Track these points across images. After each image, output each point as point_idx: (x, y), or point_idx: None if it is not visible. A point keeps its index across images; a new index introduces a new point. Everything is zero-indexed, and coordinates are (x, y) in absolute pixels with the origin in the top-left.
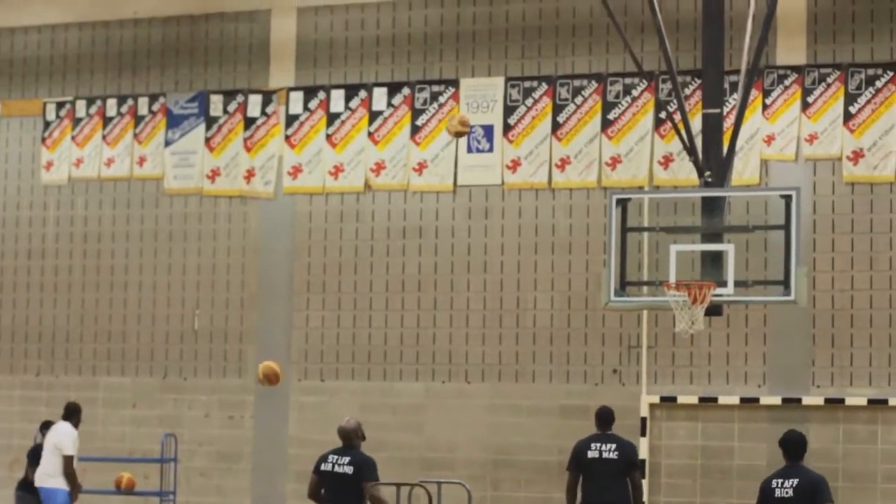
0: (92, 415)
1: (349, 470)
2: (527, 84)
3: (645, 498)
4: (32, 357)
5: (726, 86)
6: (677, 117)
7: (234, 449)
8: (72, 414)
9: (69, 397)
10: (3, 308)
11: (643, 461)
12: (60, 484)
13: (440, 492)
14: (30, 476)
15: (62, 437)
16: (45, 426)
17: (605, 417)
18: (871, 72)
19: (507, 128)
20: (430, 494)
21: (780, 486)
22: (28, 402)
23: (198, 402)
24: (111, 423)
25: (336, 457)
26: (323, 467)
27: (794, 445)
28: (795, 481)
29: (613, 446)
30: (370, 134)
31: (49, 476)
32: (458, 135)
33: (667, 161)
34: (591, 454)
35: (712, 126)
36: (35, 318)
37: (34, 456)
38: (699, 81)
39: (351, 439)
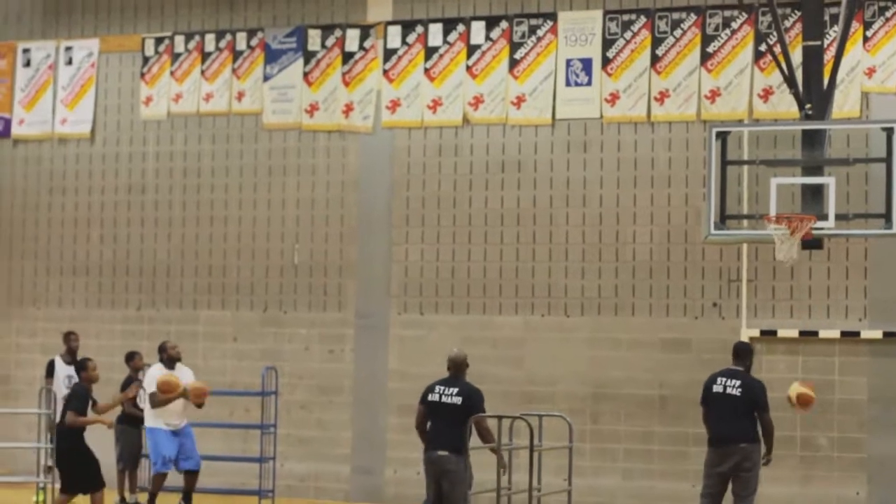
0: (193, 348)
1: (458, 400)
2: (625, 17)
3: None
4: (133, 291)
5: (826, 18)
6: (777, 50)
7: (335, 382)
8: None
9: (170, 331)
10: (104, 243)
11: None
12: (152, 423)
13: (541, 424)
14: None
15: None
16: (130, 358)
17: (737, 352)
18: None
19: (605, 61)
20: (532, 427)
21: (723, 383)
22: (129, 336)
23: (298, 335)
24: (212, 357)
25: (443, 387)
26: (430, 397)
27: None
28: (738, 382)
29: (738, 382)
30: (468, 68)
31: (147, 416)
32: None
33: (766, 94)
34: (715, 388)
35: (812, 58)
36: (136, 252)
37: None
38: (799, 13)
39: (460, 369)
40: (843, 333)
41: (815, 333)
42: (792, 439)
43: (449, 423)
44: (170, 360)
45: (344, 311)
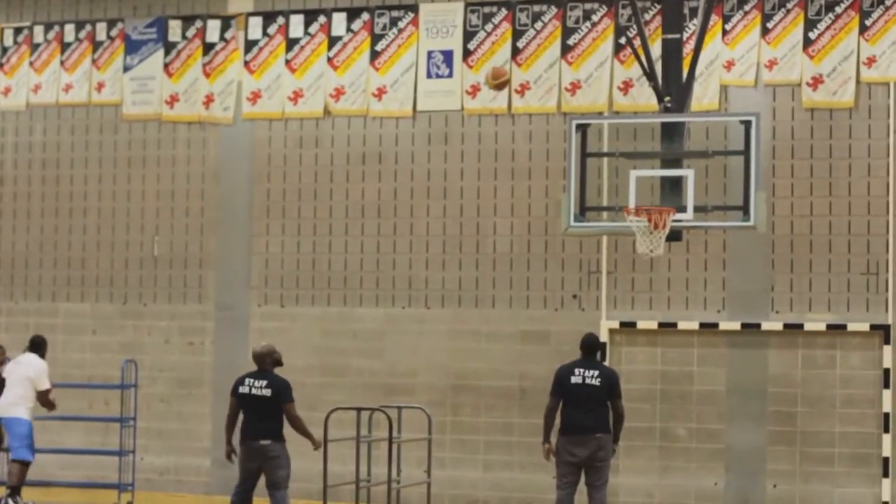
0: (52, 341)
1: (268, 392)
2: (486, 9)
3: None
4: None
5: (686, 11)
6: (637, 43)
7: (195, 375)
8: (38, 346)
9: (28, 323)
10: None
11: None
12: (24, 413)
13: (400, 416)
14: None
15: (39, 373)
16: None
17: (589, 344)
18: None
19: (466, 53)
20: (391, 419)
21: (581, 374)
22: None
23: (158, 327)
24: (71, 350)
25: (252, 380)
26: (241, 390)
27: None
28: (596, 372)
29: (596, 373)
30: (329, 59)
31: (13, 405)
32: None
33: (626, 87)
34: (573, 379)
35: (672, 51)
36: None
37: None
38: (659, 6)
39: (265, 363)
40: (702, 325)
41: (675, 325)
42: (651, 430)
43: (261, 414)
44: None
45: (204, 303)
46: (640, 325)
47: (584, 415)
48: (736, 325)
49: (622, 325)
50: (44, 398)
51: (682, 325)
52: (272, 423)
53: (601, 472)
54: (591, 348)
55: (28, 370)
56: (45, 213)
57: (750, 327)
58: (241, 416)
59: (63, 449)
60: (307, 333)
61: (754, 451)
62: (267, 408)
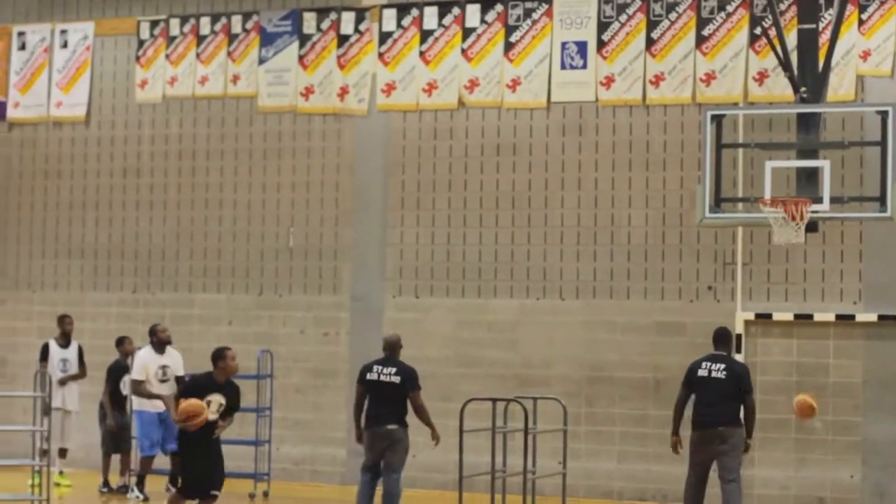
0: (188, 332)
1: (396, 379)
2: (620, 0)
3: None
4: (129, 274)
5: (821, 1)
6: (772, 33)
7: (330, 366)
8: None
9: (165, 314)
10: (100, 226)
11: None
12: (139, 406)
13: (536, 408)
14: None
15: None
16: (119, 342)
17: (719, 338)
18: None
19: (600, 44)
20: (526, 410)
21: (708, 367)
22: (125, 320)
23: (293, 318)
24: (207, 340)
25: (381, 367)
26: (368, 377)
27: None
28: (723, 366)
29: (722, 366)
30: (463, 51)
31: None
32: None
33: (762, 77)
34: (700, 372)
35: (808, 41)
36: (131, 235)
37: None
38: None
39: (394, 350)
40: (838, 317)
41: (810, 317)
42: (787, 422)
43: (390, 400)
44: (160, 343)
45: (339, 295)
46: (776, 316)
47: (708, 408)
48: (872, 317)
49: (757, 316)
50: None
51: (818, 317)
52: (399, 408)
53: (730, 465)
54: (720, 341)
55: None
56: (181, 204)
57: (887, 319)
58: (366, 403)
59: None
60: (441, 324)
61: (891, 444)
62: (395, 394)
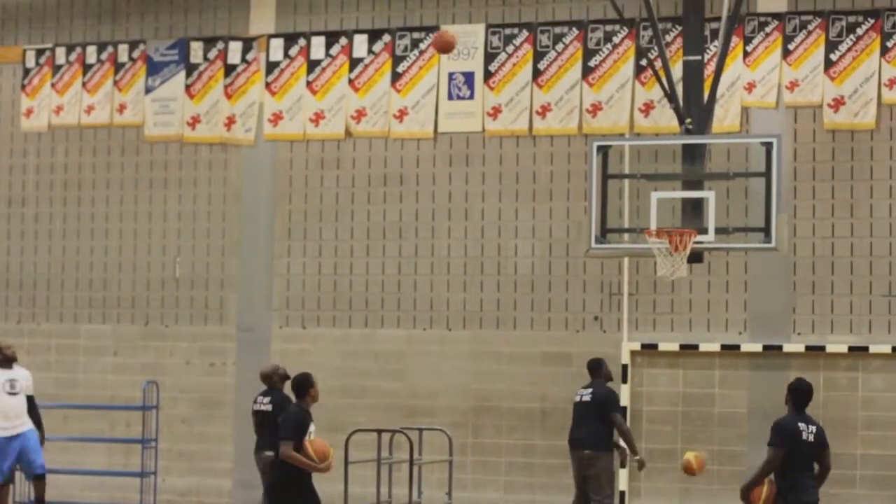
0: (73, 362)
1: (269, 408)
2: (507, 31)
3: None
4: (13, 304)
5: (707, 33)
6: (658, 64)
7: (216, 396)
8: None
9: (50, 345)
10: None
11: (624, 408)
12: None
13: (422, 438)
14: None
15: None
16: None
17: (589, 368)
18: (851, 19)
19: (487, 75)
20: (412, 441)
21: (805, 430)
22: None
23: (179, 349)
24: (92, 371)
25: (260, 397)
26: (254, 407)
27: (806, 394)
28: (814, 428)
29: (590, 390)
30: (351, 81)
31: None
32: (443, 49)
33: (647, 108)
34: (575, 398)
35: (693, 73)
36: (16, 265)
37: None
38: (680, 28)
39: (271, 381)
40: (724, 347)
41: (696, 347)
42: (672, 452)
43: (265, 429)
44: (5, 360)
45: (226, 325)
46: (662, 346)
47: (576, 430)
48: (758, 347)
49: (644, 346)
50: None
51: (703, 347)
52: (272, 436)
53: (597, 486)
54: (590, 370)
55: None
56: (66, 234)
57: (772, 349)
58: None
59: (85, 470)
60: (328, 355)
61: None
62: (268, 422)
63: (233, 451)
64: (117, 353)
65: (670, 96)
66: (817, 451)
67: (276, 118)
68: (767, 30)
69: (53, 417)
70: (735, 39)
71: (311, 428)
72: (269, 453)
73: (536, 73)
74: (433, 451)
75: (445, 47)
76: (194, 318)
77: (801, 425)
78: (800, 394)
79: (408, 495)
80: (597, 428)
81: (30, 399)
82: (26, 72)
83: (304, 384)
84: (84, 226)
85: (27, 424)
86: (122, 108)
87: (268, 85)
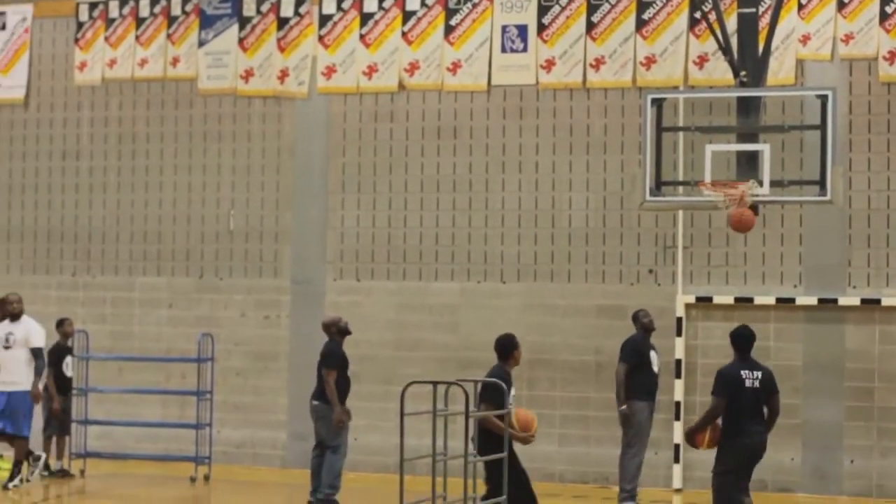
0: (128, 315)
1: (320, 358)
2: None
3: (680, 397)
4: (68, 258)
5: None
6: (712, 17)
7: (271, 348)
8: None
9: (105, 297)
10: (39, 209)
11: (678, 361)
12: None
13: (476, 390)
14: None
15: None
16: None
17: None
18: None
19: (541, 27)
20: (467, 393)
21: (749, 377)
22: (65, 303)
23: (234, 301)
24: (147, 324)
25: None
26: None
27: (748, 341)
28: (759, 374)
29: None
30: (404, 34)
31: None
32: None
33: (702, 61)
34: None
35: (748, 25)
36: (70, 218)
37: None
38: None
39: (329, 332)
40: (779, 300)
41: (751, 300)
42: None
43: (318, 376)
44: (9, 314)
45: (280, 278)
46: (717, 299)
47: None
48: (812, 300)
49: (698, 299)
50: None
51: (758, 300)
52: (320, 384)
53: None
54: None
55: None
56: (121, 187)
57: (827, 302)
58: None
59: (140, 422)
60: (382, 308)
61: (831, 427)
62: (318, 371)
63: (287, 403)
64: (172, 305)
65: (725, 49)
66: (764, 396)
67: (330, 71)
68: None
69: (108, 370)
70: None
71: (512, 392)
72: (315, 402)
73: (590, 26)
74: None
75: (744, 227)
76: (249, 270)
77: (745, 372)
78: (741, 340)
79: (463, 448)
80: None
81: (33, 351)
82: (79, 25)
83: (508, 346)
84: (138, 179)
85: (20, 385)
86: (175, 61)
87: (321, 38)
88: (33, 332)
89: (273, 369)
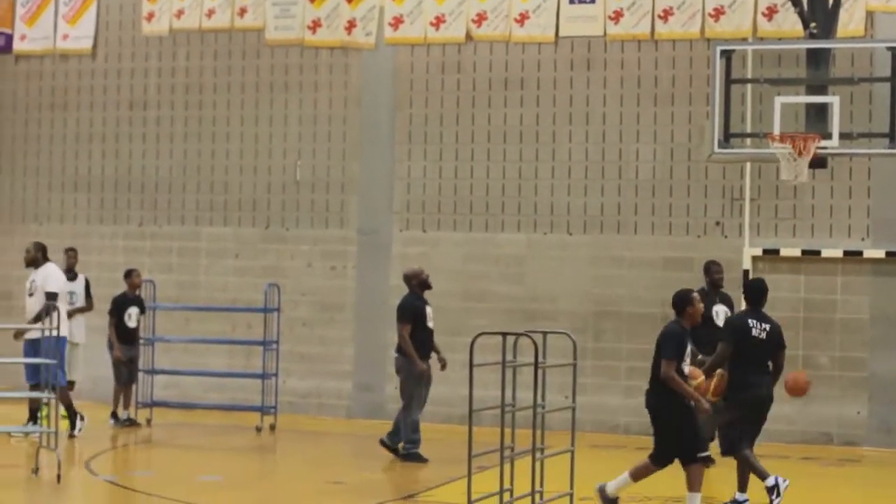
0: (194, 265)
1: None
2: None
3: None
4: (135, 208)
5: None
6: None
7: (337, 299)
8: None
9: (172, 247)
10: (106, 159)
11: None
12: None
13: (546, 342)
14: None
15: None
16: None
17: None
18: None
19: None
20: (537, 344)
21: (756, 327)
22: (131, 252)
23: (300, 252)
24: (214, 274)
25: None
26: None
27: (761, 292)
28: (768, 326)
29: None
30: None
31: None
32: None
33: (771, 12)
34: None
35: None
36: (137, 168)
37: None
38: None
39: (409, 283)
40: (846, 253)
41: (818, 253)
42: (794, 358)
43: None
44: (29, 261)
45: (346, 228)
46: (784, 252)
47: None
48: (880, 253)
49: (765, 252)
50: None
51: (825, 253)
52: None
53: None
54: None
55: None
56: (188, 137)
57: (894, 255)
58: None
59: (206, 371)
60: (449, 258)
61: None
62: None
63: (353, 354)
64: (238, 255)
65: (794, 0)
66: (770, 348)
67: (397, 22)
68: None
69: (175, 320)
70: None
71: (689, 347)
72: (396, 355)
73: None
74: (553, 355)
75: (799, 391)
76: (315, 221)
77: (753, 322)
78: (754, 292)
79: (531, 399)
80: None
81: (46, 294)
82: None
83: (682, 301)
84: (205, 129)
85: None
86: (242, 11)
87: None
88: (50, 277)
89: (339, 320)
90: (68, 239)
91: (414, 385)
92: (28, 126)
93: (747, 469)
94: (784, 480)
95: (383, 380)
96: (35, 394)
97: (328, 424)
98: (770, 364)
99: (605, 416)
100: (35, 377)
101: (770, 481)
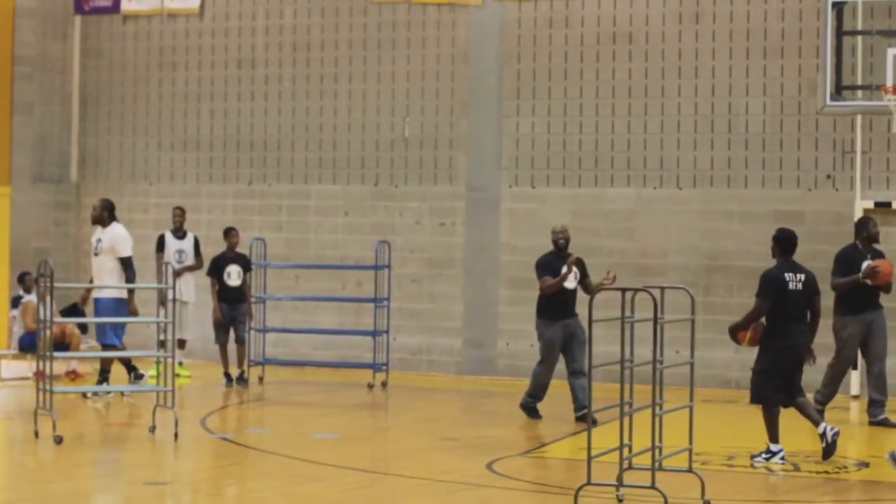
0: (304, 223)
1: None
2: None
3: None
4: (244, 166)
5: None
6: None
7: (446, 255)
8: None
9: (281, 205)
10: (215, 118)
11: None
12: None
13: (663, 297)
14: None
15: None
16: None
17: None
18: None
19: None
20: (655, 299)
21: (792, 279)
22: (241, 211)
23: (409, 209)
24: (323, 231)
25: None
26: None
27: (792, 242)
28: (803, 276)
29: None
30: None
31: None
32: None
33: None
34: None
35: None
36: (246, 127)
37: None
38: None
39: (555, 242)
40: None
41: None
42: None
43: None
44: (95, 219)
45: (455, 185)
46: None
47: None
48: None
49: (877, 204)
50: None
51: None
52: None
53: None
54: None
55: None
56: (296, 95)
57: None
58: None
59: (316, 329)
60: (557, 214)
61: None
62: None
63: (462, 310)
64: (348, 213)
65: None
66: (807, 297)
67: None
68: None
69: (285, 278)
70: None
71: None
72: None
73: None
74: (666, 309)
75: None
76: (423, 177)
77: (788, 275)
78: (785, 242)
79: (652, 354)
80: None
81: (122, 261)
82: None
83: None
84: (313, 87)
85: (105, 292)
86: None
87: None
88: (119, 240)
89: (448, 276)
90: (178, 198)
91: (544, 347)
92: (137, 86)
93: (812, 412)
94: (833, 429)
95: (493, 336)
96: (147, 352)
97: (439, 381)
98: (808, 314)
99: (715, 371)
100: (102, 337)
101: (821, 429)
